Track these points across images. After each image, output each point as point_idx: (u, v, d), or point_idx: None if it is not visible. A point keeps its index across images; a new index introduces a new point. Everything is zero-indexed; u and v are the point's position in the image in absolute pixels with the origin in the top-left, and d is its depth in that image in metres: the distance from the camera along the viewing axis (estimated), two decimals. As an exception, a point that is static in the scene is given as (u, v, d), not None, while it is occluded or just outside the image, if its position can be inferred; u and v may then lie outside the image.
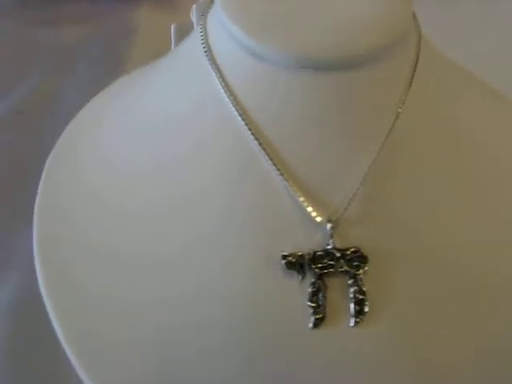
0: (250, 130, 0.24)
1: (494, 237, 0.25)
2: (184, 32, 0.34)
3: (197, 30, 0.27)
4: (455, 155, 0.26)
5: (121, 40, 0.51)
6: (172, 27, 0.39)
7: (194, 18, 0.34)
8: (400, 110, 0.24)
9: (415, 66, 0.25)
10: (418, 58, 0.26)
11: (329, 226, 0.23)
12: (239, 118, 0.24)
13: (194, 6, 0.33)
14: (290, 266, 0.22)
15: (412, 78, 0.25)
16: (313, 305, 0.22)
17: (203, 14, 0.27)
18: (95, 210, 0.27)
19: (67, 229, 0.27)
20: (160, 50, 0.35)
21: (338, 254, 0.23)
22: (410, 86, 0.24)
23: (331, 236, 0.23)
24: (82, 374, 0.23)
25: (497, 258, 0.25)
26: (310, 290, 0.22)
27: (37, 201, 0.29)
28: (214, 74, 0.25)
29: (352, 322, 0.22)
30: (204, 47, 0.26)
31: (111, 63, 0.48)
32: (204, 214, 0.24)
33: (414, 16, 0.27)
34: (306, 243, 0.23)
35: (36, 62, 0.49)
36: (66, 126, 0.33)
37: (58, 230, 0.28)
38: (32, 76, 0.47)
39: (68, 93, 0.45)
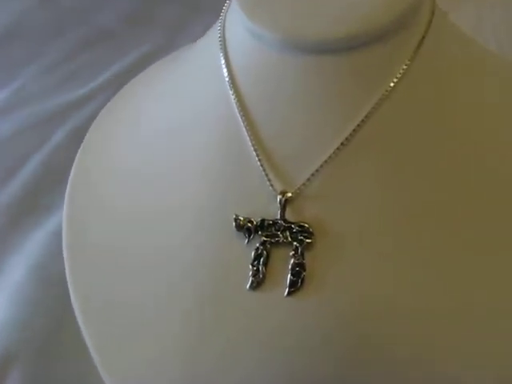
0: (238, 105, 0.25)
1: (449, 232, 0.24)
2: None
3: (222, 14, 0.29)
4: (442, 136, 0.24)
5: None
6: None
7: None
8: (388, 90, 0.24)
9: (419, 45, 0.24)
10: (423, 37, 0.25)
11: (279, 198, 0.23)
12: (231, 94, 0.26)
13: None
14: (239, 228, 0.24)
15: (412, 58, 0.24)
16: (253, 268, 0.24)
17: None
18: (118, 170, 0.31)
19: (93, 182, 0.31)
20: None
21: (285, 225, 0.23)
22: (406, 68, 0.24)
23: (281, 208, 0.24)
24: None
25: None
26: (253, 253, 0.24)
27: (75, 159, 0.33)
28: (220, 53, 0.27)
29: (286, 292, 0.23)
30: (219, 29, 0.28)
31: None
32: (188, 174, 0.27)
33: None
34: (262, 212, 0.24)
35: (151, 34, 0.54)
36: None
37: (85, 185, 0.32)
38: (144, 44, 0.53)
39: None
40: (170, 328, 0.25)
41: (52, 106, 0.46)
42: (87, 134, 0.33)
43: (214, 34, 0.29)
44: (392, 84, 0.24)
